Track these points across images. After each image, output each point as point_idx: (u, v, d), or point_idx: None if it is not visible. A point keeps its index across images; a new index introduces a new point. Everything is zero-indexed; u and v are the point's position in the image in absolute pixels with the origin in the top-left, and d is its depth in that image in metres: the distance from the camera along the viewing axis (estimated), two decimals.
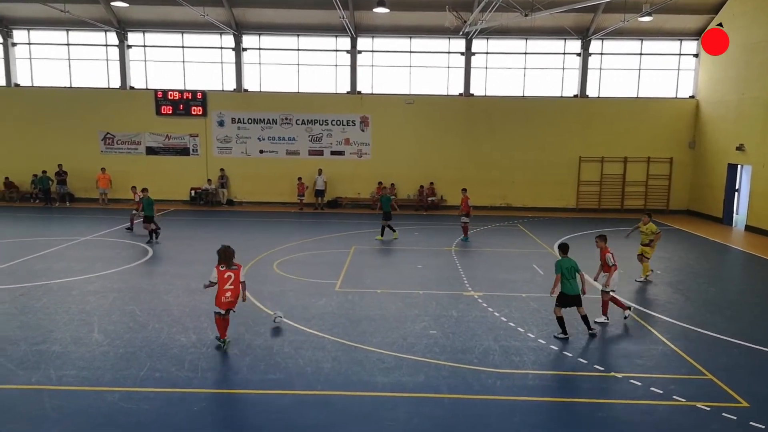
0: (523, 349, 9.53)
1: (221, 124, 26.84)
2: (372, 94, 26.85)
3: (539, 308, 11.78)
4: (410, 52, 26.56)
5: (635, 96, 26.58)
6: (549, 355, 9.33)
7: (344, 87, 26.86)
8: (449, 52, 26.59)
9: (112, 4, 22.33)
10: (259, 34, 26.47)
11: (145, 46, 26.68)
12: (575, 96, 26.69)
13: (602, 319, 10.90)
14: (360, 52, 26.51)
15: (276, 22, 25.89)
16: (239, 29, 26.04)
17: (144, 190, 18.68)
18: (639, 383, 8.29)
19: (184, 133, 26.88)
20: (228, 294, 9.14)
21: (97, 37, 26.49)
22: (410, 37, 26.32)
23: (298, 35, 26.37)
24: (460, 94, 26.77)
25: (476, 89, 26.79)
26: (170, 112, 26.51)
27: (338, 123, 26.84)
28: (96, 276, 13.68)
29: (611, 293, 10.99)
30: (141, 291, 12.54)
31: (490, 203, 26.92)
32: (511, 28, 24.83)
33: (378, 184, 26.60)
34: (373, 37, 26.41)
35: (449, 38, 26.18)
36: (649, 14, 20.72)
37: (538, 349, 9.53)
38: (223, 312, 9.19)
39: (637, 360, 9.17)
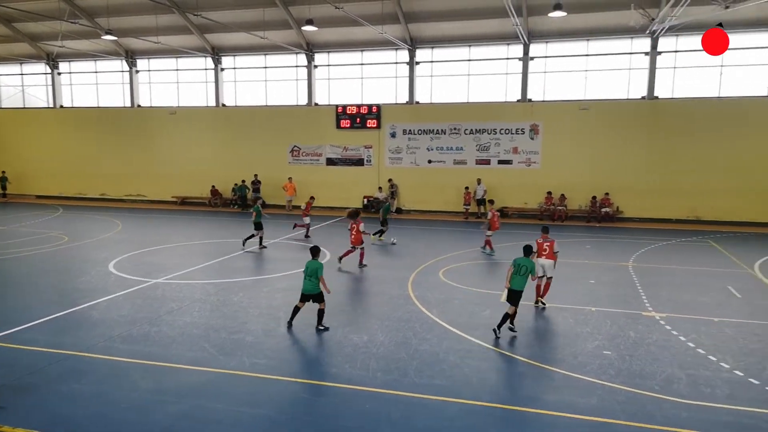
0: (715, 380, 8.53)
1: (393, 135, 28.03)
2: (543, 101, 26.05)
3: (735, 335, 10.44)
4: (587, 55, 25.27)
5: None
6: (748, 389, 8.22)
7: (514, 95, 26.42)
8: (631, 53, 24.78)
9: (303, 28, 24.58)
10: (432, 47, 27.20)
11: (329, 65, 28.94)
12: None
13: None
14: (532, 58, 25.89)
15: (449, 34, 26.39)
16: (413, 44, 27.02)
17: (258, 198, 19.83)
18: None
19: (359, 144, 28.60)
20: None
21: (289, 59, 29.37)
22: (587, 40, 25.06)
23: (469, 46, 26.58)
24: (643, 98, 24.78)
25: (662, 91, 24.58)
26: (348, 125, 28.39)
27: (507, 132, 26.47)
28: (282, 275, 15.14)
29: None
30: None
31: (676, 216, 24.46)
32: (708, 22, 22.36)
33: (547, 194, 25.68)
34: (546, 42, 25.63)
35: (631, 38, 24.40)
36: None
37: (733, 382, 8.45)
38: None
39: None
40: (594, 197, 25.24)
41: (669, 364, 9.12)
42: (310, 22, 22.95)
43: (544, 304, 12.34)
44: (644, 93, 24.73)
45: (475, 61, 26.78)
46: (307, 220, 20.91)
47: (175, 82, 31.44)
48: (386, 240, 20.23)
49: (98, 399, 8.01)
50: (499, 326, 10.43)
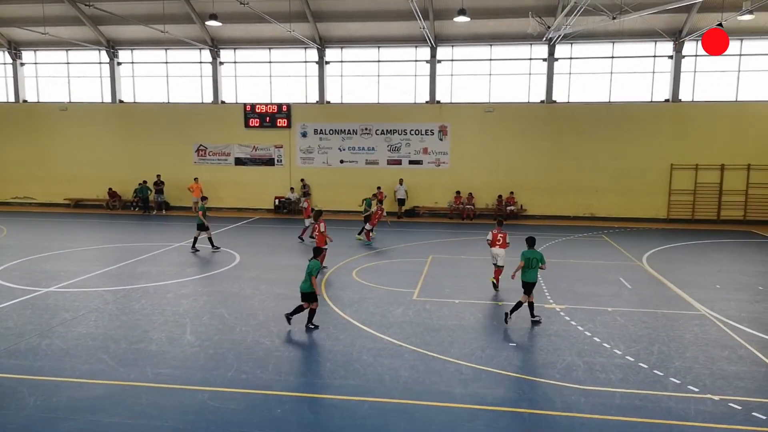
0: (609, 365, 9.13)
1: (304, 135, 27.74)
2: (451, 103, 26.82)
3: (627, 323, 11.24)
4: (490, 60, 26.30)
5: (734, 99, 24.87)
6: (638, 373, 8.87)
7: (423, 96, 27.00)
8: (531, 59, 26.09)
9: (207, 23, 23.72)
10: (342, 47, 27.19)
11: (235, 62, 28.11)
12: (666, 101, 25.36)
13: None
14: (440, 61, 26.58)
15: (358, 34, 26.50)
16: (323, 43, 26.87)
17: (204, 198, 19.13)
18: (739, 407, 7.71)
19: (269, 144, 28.04)
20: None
21: (192, 55, 28.22)
22: (490, 45, 26.09)
23: (378, 47, 26.84)
24: (542, 101, 26.16)
25: (559, 96, 26.09)
26: (257, 124, 27.74)
27: (417, 132, 26.99)
28: (188, 280, 14.51)
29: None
30: (229, 295, 13.16)
31: (574, 213, 26.04)
32: (597, 32, 24.04)
33: (456, 194, 26.47)
34: (452, 46, 26.40)
35: (531, 44, 25.69)
36: (750, 12, 19.35)
37: (625, 367, 9.09)
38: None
39: (737, 382, 8.52)
40: (500, 196, 26.32)
41: (568, 353, 9.66)
42: (213, 16, 22.18)
43: (497, 285, 13.68)
44: (543, 97, 26.12)
45: (384, 62, 27.08)
46: (307, 222, 20.12)
47: (66, 76, 29.28)
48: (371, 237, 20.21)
49: None
50: (512, 312, 11.16)
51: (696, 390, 8.24)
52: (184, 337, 10.34)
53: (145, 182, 27.90)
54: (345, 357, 9.44)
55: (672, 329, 11.03)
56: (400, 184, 26.46)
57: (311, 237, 17.35)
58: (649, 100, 25.54)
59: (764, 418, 7.42)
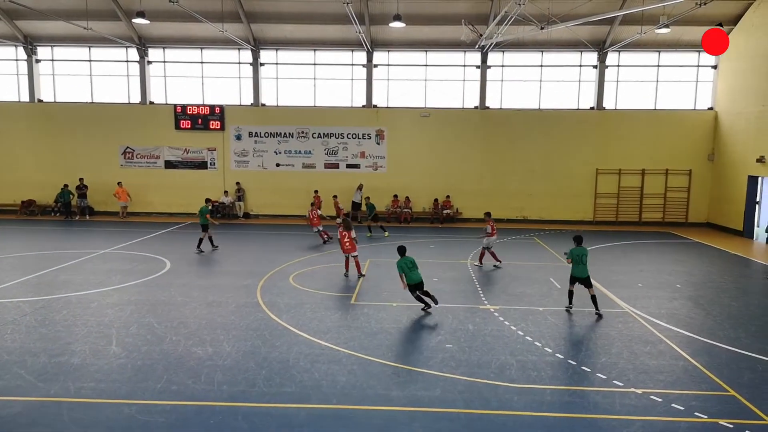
0: (540, 363, 9.42)
1: (239, 138, 27.14)
2: (388, 107, 27.00)
3: (557, 322, 11.65)
4: (426, 65, 26.68)
5: (653, 108, 26.39)
6: (567, 370, 9.21)
7: (360, 101, 27.04)
8: (464, 66, 26.67)
9: (134, 21, 22.79)
10: (277, 49, 26.81)
11: (165, 61, 27.15)
12: (592, 108, 26.58)
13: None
14: (376, 66, 26.70)
15: (293, 37, 26.21)
16: (257, 44, 26.41)
17: (207, 200, 19.68)
18: (659, 399, 8.14)
19: (202, 147, 27.23)
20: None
21: (119, 53, 27.03)
22: (426, 51, 26.47)
23: (314, 50, 26.66)
24: (476, 107, 26.79)
25: (492, 102, 26.80)
26: (189, 126, 26.88)
27: (354, 136, 26.99)
28: (114, 289, 13.84)
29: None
30: (158, 304, 12.65)
31: (507, 216, 26.78)
32: (527, 41, 24.90)
33: (393, 197, 26.63)
34: (389, 51, 26.60)
35: (465, 52, 26.26)
36: (667, 26, 20.61)
37: (555, 364, 9.41)
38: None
39: (658, 375, 9.01)
40: (436, 199, 26.72)
41: (502, 353, 9.90)
42: (141, 14, 21.32)
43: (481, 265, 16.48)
44: (477, 103, 26.75)
45: (320, 65, 26.92)
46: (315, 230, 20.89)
47: None
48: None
49: None
50: (570, 300, 12.49)
51: (621, 384, 8.64)
52: (109, 349, 9.84)
53: (66, 186, 26.41)
54: (281, 364, 9.27)
55: (598, 327, 11.53)
56: (359, 189, 25.98)
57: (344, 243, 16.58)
58: (576, 107, 26.68)
59: (682, 408, 7.87)
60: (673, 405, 7.96)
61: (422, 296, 12.22)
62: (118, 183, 26.38)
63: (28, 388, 8.25)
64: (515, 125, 26.54)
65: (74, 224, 25.07)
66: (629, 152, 26.33)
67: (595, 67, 26.34)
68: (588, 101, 26.63)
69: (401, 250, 12.58)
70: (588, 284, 12.23)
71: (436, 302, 12.14)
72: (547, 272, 16.33)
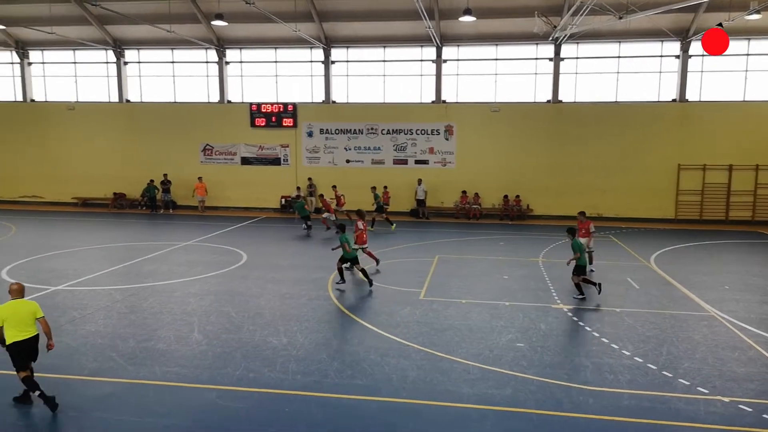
0: (617, 366, 9.10)
1: (310, 134, 27.77)
2: (457, 102, 26.78)
3: (635, 324, 11.20)
4: (496, 59, 26.24)
5: (742, 99, 24.73)
6: (646, 374, 8.84)
7: (429, 96, 26.97)
8: (536, 59, 26.02)
9: (213, 23, 23.77)
10: (347, 47, 27.19)
11: (241, 62, 28.17)
12: (673, 100, 25.25)
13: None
14: (445, 61, 26.54)
15: (363, 34, 26.49)
16: (328, 43, 26.88)
17: (298, 196, 22.49)
18: (749, 409, 7.67)
19: (275, 143, 28.07)
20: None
21: (199, 54, 28.29)
22: (496, 45, 26.03)
23: (384, 47, 26.82)
24: (548, 101, 26.09)
25: (565, 95, 26.01)
26: (263, 124, 27.78)
27: (423, 132, 26.97)
28: (195, 279, 14.55)
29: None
30: (236, 294, 13.19)
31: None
32: (604, 31, 23.95)
33: (462, 194, 26.42)
34: (458, 45, 26.36)
35: (537, 44, 25.61)
36: (758, 12, 19.22)
37: (634, 368, 9.05)
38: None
39: (747, 384, 8.48)
40: (506, 196, 26.25)
41: (576, 354, 9.63)
42: (219, 16, 22.19)
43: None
44: (549, 96, 26.04)
45: (390, 62, 27.07)
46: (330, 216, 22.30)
47: (74, 75, 29.40)
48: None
49: None
50: (597, 284, 13.11)
51: (705, 392, 8.21)
52: (191, 336, 10.37)
53: (152, 181, 27.99)
54: (352, 356, 9.45)
55: (681, 330, 10.99)
56: (419, 184, 26.24)
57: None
58: (656, 99, 25.43)
59: None
60: (764, 416, 7.48)
61: (360, 272, 14.04)
62: (199, 178, 27.66)
63: (119, 370, 8.84)
64: (590, 119, 25.63)
65: (159, 217, 26.52)
66: (715, 146, 24.81)
67: (677, 57, 24.99)
68: (669, 93, 25.32)
69: (342, 228, 14.31)
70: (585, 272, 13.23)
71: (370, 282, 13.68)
72: (624, 272, 15.71)
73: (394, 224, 23.05)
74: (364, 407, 7.72)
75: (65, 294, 12.99)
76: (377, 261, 16.00)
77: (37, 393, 7.38)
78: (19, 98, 29.85)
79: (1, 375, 7.94)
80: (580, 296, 12.83)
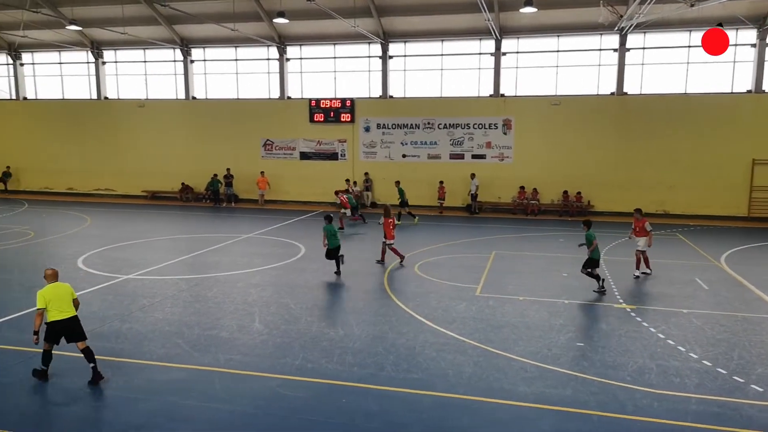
0: (684, 369, 8.75)
1: (367, 129, 27.97)
2: (516, 96, 26.29)
3: (703, 326, 10.73)
4: (557, 51, 25.57)
5: None
6: (715, 378, 8.46)
7: (487, 90, 26.60)
8: (600, 50, 25.17)
9: (275, 21, 24.30)
10: (405, 42, 27.17)
11: (301, 58, 28.67)
12: (749, 91, 23.86)
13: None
14: (504, 54, 26.08)
15: (421, 28, 26.40)
16: (386, 38, 26.95)
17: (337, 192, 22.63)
18: None
19: (333, 138, 28.44)
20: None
21: (260, 52, 28.99)
22: (558, 36, 25.35)
23: (442, 40, 26.64)
24: (612, 93, 25.21)
25: (631, 88, 25.05)
26: (322, 119, 28.21)
27: (480, 126, 26.64)
28: (256, 270, 14.99)
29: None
30: (295, 286, 13.50)
31: (645, 210, 24.86)
32: (673, 20, 22.88)
33: (520, 189, 25.95)
34: (518, 38, 25.84)
35: (600, 35, 24.77)
36: None
37: (702, 371, 8.68)
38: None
39: None
40: (565, 191, 25.60)
41: (640, 355, 9.32)
42: (281, 14, 22.66)
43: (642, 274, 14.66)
44: (613, 89, 25.15)
45: (447, 55, 26.86)
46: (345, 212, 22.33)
47: (144, 74, 30.76)
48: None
49: (68, 397, 7.82)
50: (600, 280, 13.00)
51: None
52: (253, 326, 10.70)
53: (216, 175, 28.98)
54: (408, 350, 9.51)
55: (753, 334, 10.44)
56: (473, 178, 25.99)
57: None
58: (730, 91, 24.10)
59: None
60: None
61: (336, 260, 14.35)
62: (261, 172, 28.42)
63: (185, 356, 9.24)
64: (656, 112, 24.59)
65: (222, 210, 27.45)
66: None
67: (753, 45, 23.59)
68: (744, 84, 23.94)
69: (328, 219, 14.66)
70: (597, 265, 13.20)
71: (338, 272, 14.28)
72: (693, 272, 15.04)
73: (417, 217, 23.32)
74: (419, 401, 7.76)
75: (135, 282, 13.67)
76: (402, 258, 15.85)
77: (40, 368, 8.17)
78: (94, 96, 31.50)
79: (67, 356, 8.47)
80: (601, 290, 12.87)
